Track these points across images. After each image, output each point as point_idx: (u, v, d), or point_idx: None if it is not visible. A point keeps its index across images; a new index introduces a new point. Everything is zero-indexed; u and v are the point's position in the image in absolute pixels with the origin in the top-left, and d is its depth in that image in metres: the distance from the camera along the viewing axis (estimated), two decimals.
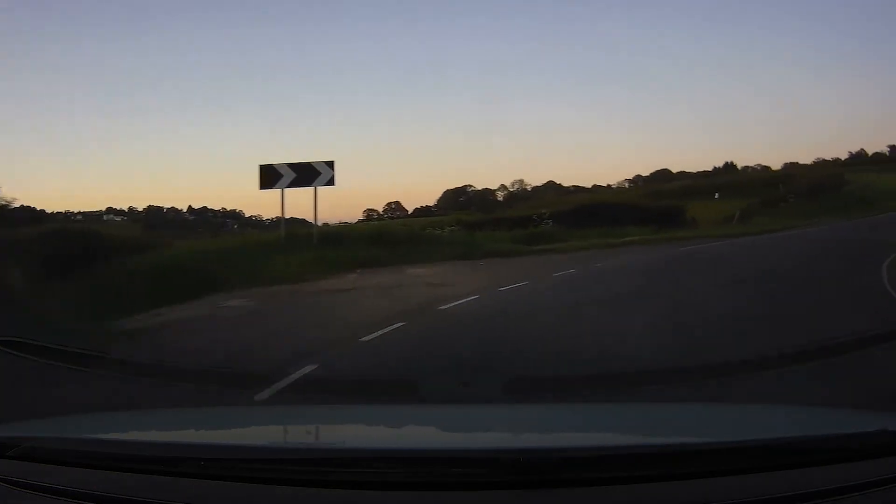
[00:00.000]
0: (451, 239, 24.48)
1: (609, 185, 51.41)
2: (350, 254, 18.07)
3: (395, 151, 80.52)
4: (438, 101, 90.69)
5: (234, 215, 46.82)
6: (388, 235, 21.92)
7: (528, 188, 58.84)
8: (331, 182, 20.04)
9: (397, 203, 62.61)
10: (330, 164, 20.22)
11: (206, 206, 47.74)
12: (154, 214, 43.78)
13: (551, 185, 59.72)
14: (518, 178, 63.14)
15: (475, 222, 34.01)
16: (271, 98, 78.23)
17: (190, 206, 48.08)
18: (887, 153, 53.77)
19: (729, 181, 45.99)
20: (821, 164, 52.38)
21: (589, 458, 1.70)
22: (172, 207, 47.38)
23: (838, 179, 40.36)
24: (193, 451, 1.79)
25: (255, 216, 44.30)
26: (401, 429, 2.39)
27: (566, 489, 1.58)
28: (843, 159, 54.20)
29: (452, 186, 64.01)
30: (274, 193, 20.80)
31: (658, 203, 35.38)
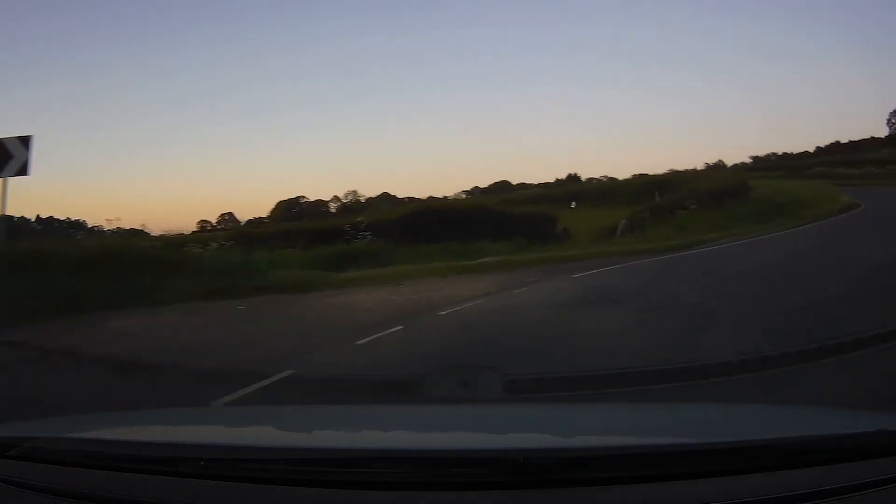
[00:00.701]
0: (216, 262, 15.24)
1: (446, 197, 46.36)
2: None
3: (235, 161, 76.74)
4: (277, 111, 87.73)
5: None
6: (127, 257, 12.92)
7: (363, 199, 57.19)
8: (24, 171, 11.74)
9: (230, 214, 61.73)
10: (25, 142, 11.85)
11: None
12: None
13: (385, 196, 58.05)
14: (353, 189, 62.10)
15: (259, 236, 25.85)
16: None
17: None
18: (773, 159, 52.42)
19: (601, 188, 41.80)
20: (718, 169, 48.82)
21: (589, 458, 1.70)
22: None
23: (743, 185, 33.61)
24: (193, 451, 1.79)
25: None
26: (401, 429, 2.39)
27: (566, 489, 1.58)
28: (728, 165, 51.35)
29: (286, 197, 62.88)
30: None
31: (523, 210, 28.35)
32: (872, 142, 49.82)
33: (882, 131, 55.49)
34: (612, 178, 50.56)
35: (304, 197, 66.75)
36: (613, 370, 5.16)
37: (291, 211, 62.24)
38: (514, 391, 3.85)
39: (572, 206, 34.09)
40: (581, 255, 18.12)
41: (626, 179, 40.58)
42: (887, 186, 34.95)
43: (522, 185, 47.35)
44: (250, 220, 57.03)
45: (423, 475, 1.64)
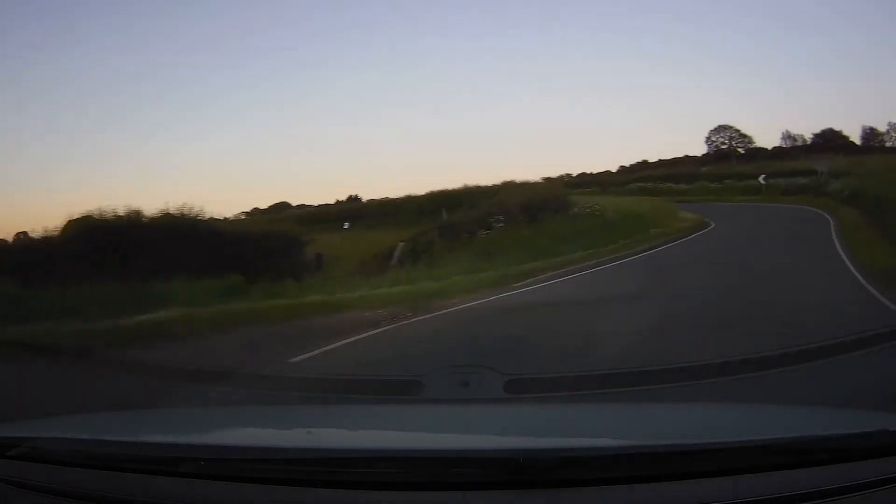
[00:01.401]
0: None
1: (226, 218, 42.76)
2: None
3: None
4: None
5: None
6: None
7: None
8: None
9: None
10: None
11: None
12: None
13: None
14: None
15: None
16: None
17: None
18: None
19: (383, 207, 32.92)
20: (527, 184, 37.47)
21: (589, 458, 1.70)
22: None
23: (563, 199, 27.09)
24: (193, 451, 1.79)
25: None
26: (401, 429, 2.39)
27: (566, 489, 1.58)
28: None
29: None
30: None
31: (261, 230, 19.68)
32: (689, 160, 47.77)
33: (700, 150, 51.95)
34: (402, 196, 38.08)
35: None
36: (613, 370, 5.16)
37: None
38: (514, 391, 3.84)
39: (345, 227, 28.82)
40: (313, 308, 10.59)
41: (414, 196, 31.86)
42: (723, 200, 33.58)
43: (302, 206, 40.89)
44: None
45: (423, 475, 1.64)
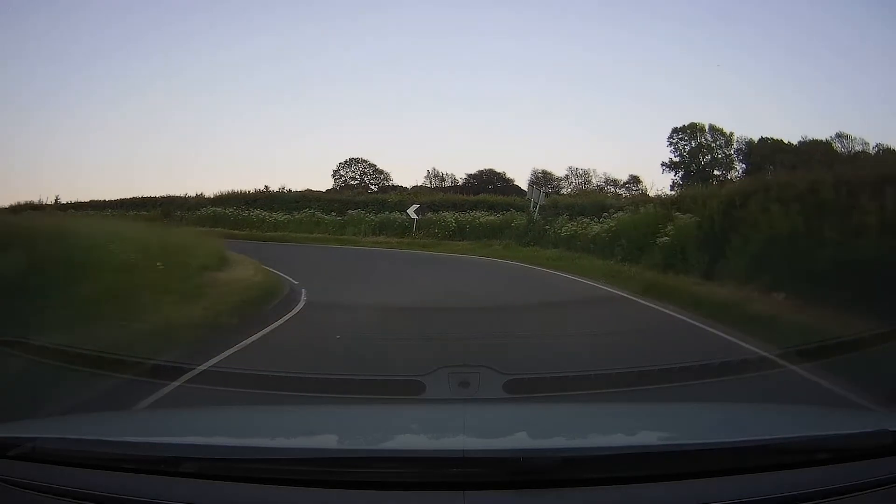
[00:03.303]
0: None
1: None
2: None
3: None
4: None
5: None
6: None
7: None
8: None
9: None
10: None
11: None
12: None
13: None
14: None
15: None
16: None
17: None
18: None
19: None
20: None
21: (589, 458, 1.70)
22: None
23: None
24: (193, 451, 1.79)
25: None
26: (401, 429, 2.39)
27: (566, 489, 1.58)
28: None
29: None
30: None
31: None
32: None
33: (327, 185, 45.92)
34: None
35: None
36: (613, 370, 5.15)
37: None
38: (514, 391, 3.84)
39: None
40: None
41: None
42: (345, 243, 25.51)
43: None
44: None
45: (424, 475, 1.64)
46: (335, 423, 2.52)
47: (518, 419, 2.52)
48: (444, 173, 51.97)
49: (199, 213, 32.60)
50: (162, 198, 36.43)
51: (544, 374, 5.04)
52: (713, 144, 48.56)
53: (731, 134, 48.06)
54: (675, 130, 48.41)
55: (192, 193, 36.58)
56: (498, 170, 49.64)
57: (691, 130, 48.16)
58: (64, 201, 37.31)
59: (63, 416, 3.16)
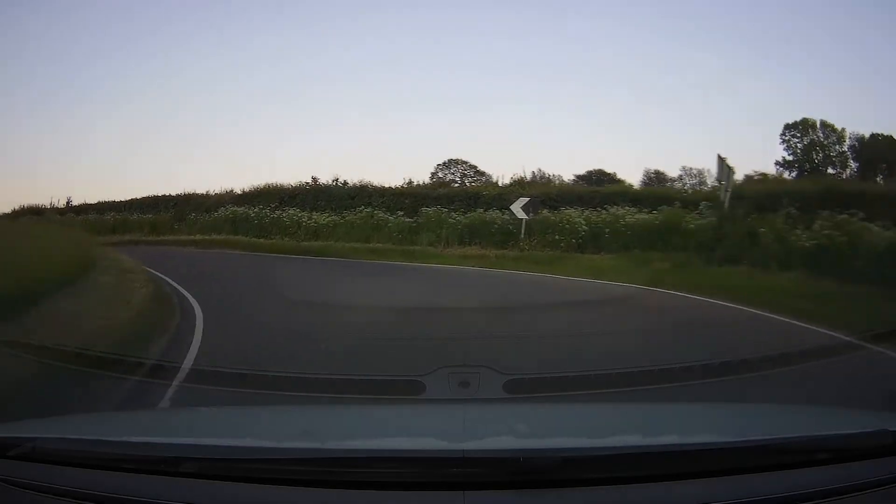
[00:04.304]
0: None
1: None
2: None
3: None
4: None
5: None
6: None
7: None
8: None
9: None
10: None
11: None
12: None
13: None
14: None
15: None
16: None
17: None
18: None
19: None
20: None
21: (589, 458, 1.70)
22: None
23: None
24: (193, 451, 1.79)
25: None
26: (401, 429, 2.39)
27: (566, 489, 1.58)
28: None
29: None
30: None
31: None
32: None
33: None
34: None
35: None
36: (613, 370, 5.15)
37: None
38: (514, 391, 3.84)
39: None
40: None
41: None
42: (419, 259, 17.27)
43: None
44: None
45: (423, 475, 1.64)
46: (335, 423, 2.52)
47: (518, 419, 2.52)
48: (551, 175, 41.08)
49: (215, 214, 26.05)
50: (178, 197, 30.65)
51: (544, 374, 5.04)
52: (825, 141, 44.89)
53: (843, 130, 44.18)
54: (787, 127, 44.28)
55: (218, 190, 29.33)
56: (608, 170, 39.77)
57: (803, 127, 44.39)
58: (77, 203, 34.01)
59: (63, 416, 3.16)
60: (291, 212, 24.18)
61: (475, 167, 41.96)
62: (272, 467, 1.70)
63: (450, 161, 42.76)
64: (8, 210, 34.49)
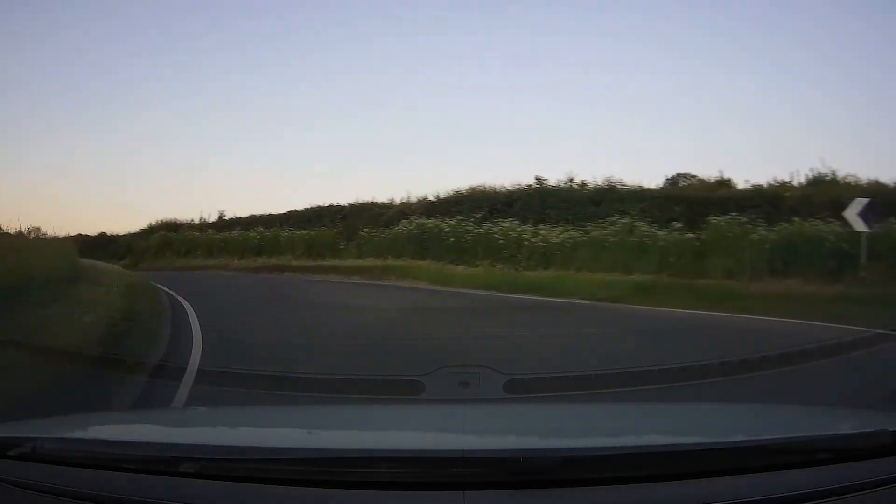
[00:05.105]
0: None
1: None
2: None
3: None
4: None
5: None
6: None
7: (46, 235, 43.29)
8: None
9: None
10: None
11: None
12: None
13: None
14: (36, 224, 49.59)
15: None
16: None
17: None
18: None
19: None
20: None
21: (589, 458, 1.70)
22: None
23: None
24: (193, 451, 1.79)
25: None
26: (401, 429, 2.39)
27: (566, 489, 1.58)
28: None
29: None
30: None
31: None
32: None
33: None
34: None
35: None
36: (613, 370, 5.16)
37: None
38: (514, 391, 3.84)
39: None
40: None
41: None
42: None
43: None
44: None
45: (423, 475, 1.64)
46: (335, 422, 2.52)
47: (518, 419, 2.52)
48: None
49: (395, 229, 19.77)
50: (348, 207, 24.74)
51: (544, 374, 5.05)
52: None
53: None
54: None
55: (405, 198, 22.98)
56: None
57: None
58: (230, 216, 30.49)
59: (63, 416, 3.16)
60: (506, 224, 17.22)
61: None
62: (272, 467, 1.70)
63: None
64: (144, 225, 33.49)
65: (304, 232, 22.93)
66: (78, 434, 2.10)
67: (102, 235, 37.87)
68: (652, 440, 2.12)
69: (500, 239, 16.61)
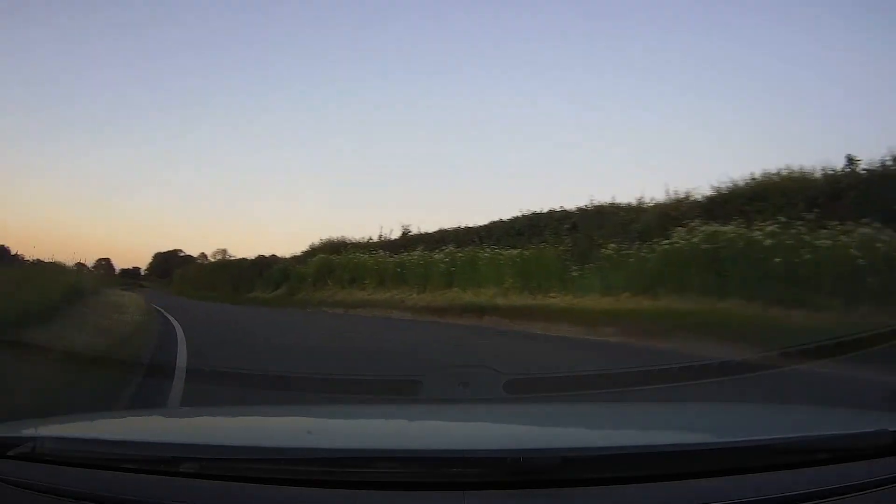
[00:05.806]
0: None
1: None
2: None
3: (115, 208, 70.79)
4: (160, 163, 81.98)
5: None
6: None
7: (232, 257, 53.31)
8: None
9: (107, 260, 61.27)
10: None
11: None
12: None
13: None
14: (222, 247, 63.17)
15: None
16: None
17: None
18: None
19: None
20: None
21: (589, 458, 1.70)
22: None
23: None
24: (193, 451, 1.79)
25: None
26: (401, 428, 2.39)
27: (566, 489, 1.58)
28: None
29: (164, 250, 65.40)
30: None
31: None
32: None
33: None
34: None
35: (181, 251, 70.85)
36: (613, 370, 5.16)
37: (168, 263, 66.10)
38: (513, 391, 3.84)
39: None
40: None
41: None
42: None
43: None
44: (125, 269, 59.32)
45: (423, 475, 1.64)
46: (335, 422, 2.52)
47: (518, 419, 2.52)
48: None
49: (664, 243, 12.59)
50: (581, 211, 18.28)
51: (544, 375, 5.05)
52: None
53: None
54: None
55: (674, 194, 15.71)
56: None
57: None
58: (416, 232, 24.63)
59: (63, 416, 3.16)
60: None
61: None
62: (272, 467, 1.70)
63: None
64: (314, 243, 28.46)
65: (513, 252, 15.86)
66: (78, 434, 2.10)
67: (261, 258, 37.05)
68: (652, 440, 2.12)
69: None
